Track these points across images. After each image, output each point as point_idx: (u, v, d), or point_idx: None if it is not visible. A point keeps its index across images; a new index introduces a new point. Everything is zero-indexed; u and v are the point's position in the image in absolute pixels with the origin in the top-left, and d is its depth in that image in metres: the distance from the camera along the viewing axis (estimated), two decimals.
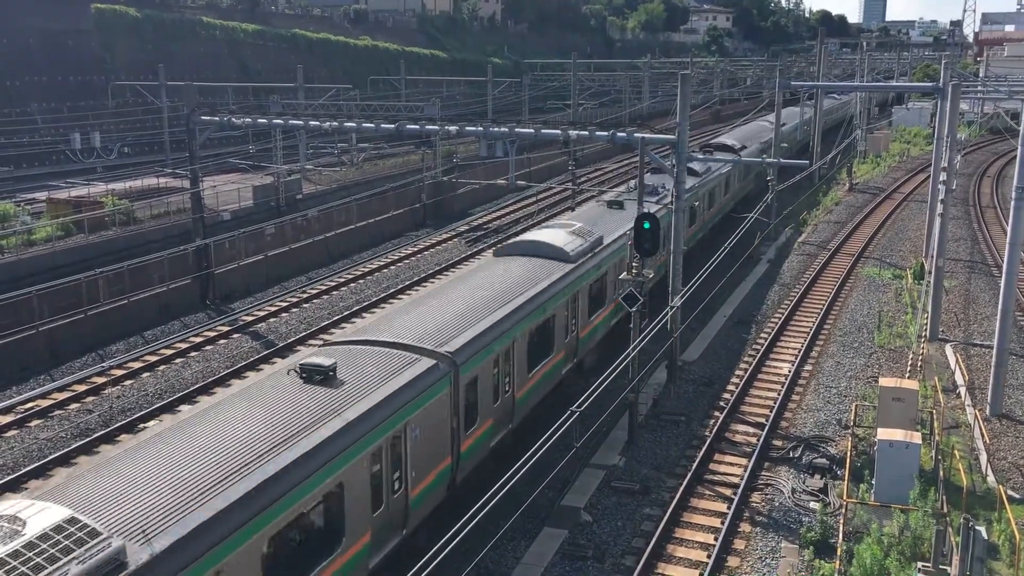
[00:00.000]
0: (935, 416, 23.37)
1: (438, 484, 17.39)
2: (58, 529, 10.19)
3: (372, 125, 32.50)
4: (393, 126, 31.54)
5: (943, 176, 32.08)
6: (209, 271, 37.01)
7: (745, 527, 19.57)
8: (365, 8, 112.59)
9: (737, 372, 28.93)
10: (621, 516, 20.11)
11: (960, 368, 27.78)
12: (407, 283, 39.07)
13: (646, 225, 23.42)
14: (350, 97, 73.20)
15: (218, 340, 32.04)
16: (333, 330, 32.48)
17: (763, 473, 22.03)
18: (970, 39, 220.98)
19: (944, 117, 38.42)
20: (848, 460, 21.22)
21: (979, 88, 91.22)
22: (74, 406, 26.33)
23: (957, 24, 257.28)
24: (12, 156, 56.51)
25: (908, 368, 28.23)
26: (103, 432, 24.35)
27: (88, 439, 23.94)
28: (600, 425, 22.82)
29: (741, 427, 24.59)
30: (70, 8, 66.43)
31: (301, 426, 13.87)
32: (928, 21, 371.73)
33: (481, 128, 30.03)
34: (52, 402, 26.29)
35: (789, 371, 28.43)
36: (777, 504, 20.46)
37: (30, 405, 26.11)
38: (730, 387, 27.58)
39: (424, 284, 39.00)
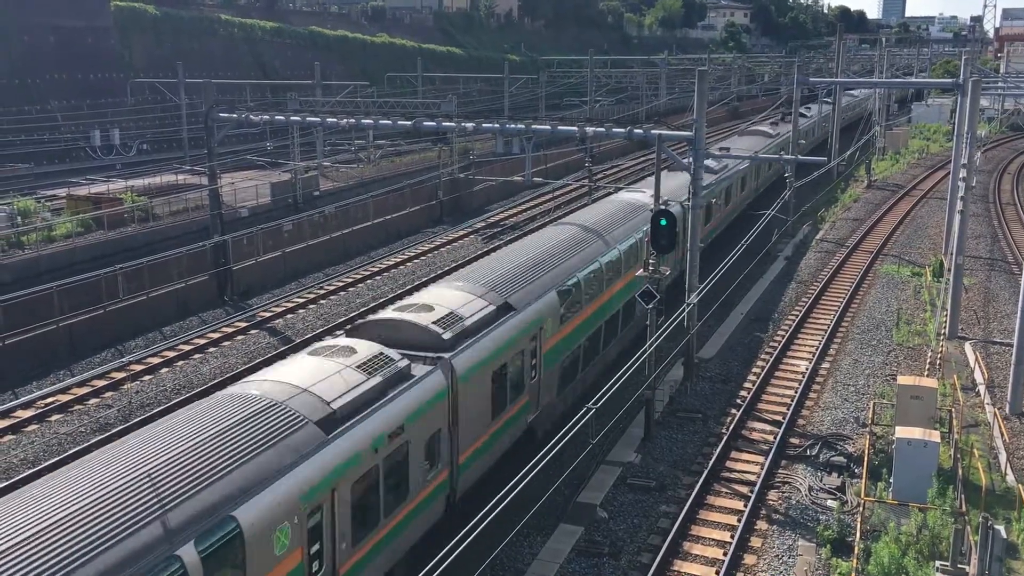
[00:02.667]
0: (954, 414, 23.22)
1: None
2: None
3: (389, 122, 32.57)
4: (410, 123, 31.60)
5: (963, 173, 31.86)
6: (227, 267, 37.20)
7: (762, 525, 19.51)
8: (382, 5, 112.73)
9: (754, 370, 28.82)
10: (637, 513, 20.09)
11: (979, 366, 27.58)
12: (422, 280, 39.17)
13: (663, 222, 23.40)
14: (367, 94, 73.35)
15: (236, 336, 32.21)
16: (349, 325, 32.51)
17: (780, 471, 21.95)
18: (991, 35, 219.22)
19: (964, 114, 38.13)
20: (866, 458, 21.13)
21: (999, 84, 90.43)
22: (93, 401, 26.54)
23: (977, 20, 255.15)
24: (33, 153, 56.95)
25: (927, 366, 28.06)
26: (122, 427, 24.53)
27: (107, 434, 24.13)
28: (616, 422, 22.82)
29: (758, 425, 24.51)
30: (89, 6, 66.83)
31: None
32: (948, 17, 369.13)
33: (498, 125, 30.03)
34: (72, 397, 26.50)
35: (806, 369, 28.30)
36: (794, 502, 20.39)
37: (50, 400, 26.34)
38: (747, 385, 27.48)
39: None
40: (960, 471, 20.39)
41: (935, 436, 19.83)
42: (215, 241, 36.95)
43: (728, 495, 20.77)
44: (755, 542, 18.88)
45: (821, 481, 21.34)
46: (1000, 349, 29.97)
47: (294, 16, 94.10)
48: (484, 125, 30.54)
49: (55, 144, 59.35)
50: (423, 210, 52.69)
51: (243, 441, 12.72)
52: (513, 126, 29.65)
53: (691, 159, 26.24)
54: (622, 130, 27.62)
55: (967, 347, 30.18)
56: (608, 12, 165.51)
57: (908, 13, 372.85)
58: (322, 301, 36.66)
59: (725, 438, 23.25)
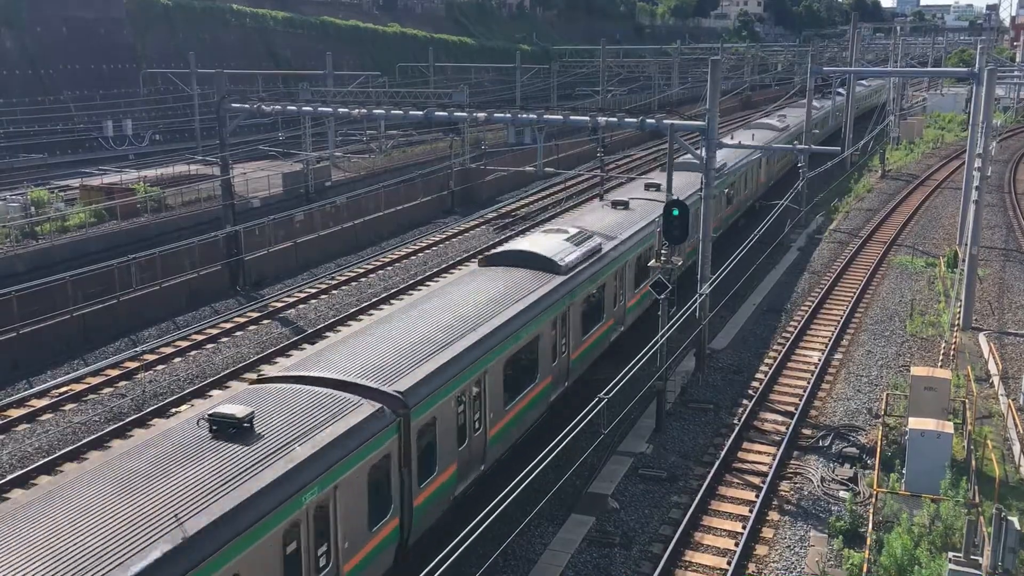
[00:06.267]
0: (967, 406, 23.09)
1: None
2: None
3: (401, 112, 32.54)
4: (421, 113, 31.56)
5: (978, 163, 31.63)
6: (239, 257, 37.30)
7: (773, 516, 19.47)
8: None
9: (766, 360, 28.74)
10: (648, 503, 20.08)
11: (993, 357, 27.43)
12: (431, 273, 39.18)
13: (675, 212, 23.34)
14: (379, 84, 73.33)
15: (248, 326, 32.32)
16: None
17: (792, 462, 21.90)
18: (1007, 23, 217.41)
19: (979, 103, 37.83)
20: (878, 449, 21.05)
21: (1015, 73, 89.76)
22: (107, 390, 26.69)
23: (994, 8, 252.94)
24: (46, 143, 57.21)
25: (940, 357, 27.92)
26: (136, 416, 24.67)
27: (121, 423, 24.26)
28: (628, 412, 22.81)
29: (770, 415, 24.45)
30: None
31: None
32: (964, 5, 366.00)
33: (509, 115, 29.96)
34: (86, 386, 26.65)
35: (819, 359, 28.21)
36: (806, 493, 20.34)
37: (64, 389, 26.48)
38: (759, 375, 27.41)
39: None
40: (973, 462, 20.29)
41: (948, 427, 19.74)
42: (227, 231, 37.04)
43: (740, 486, 20.74)
44: (767, 533, 18.85)
45: (833, 472, 21.28)
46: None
47: (306, 6, 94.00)
48: (496, 115, 30.47)
49: (68, 134, 59.60)
50: (434, 200, 52.69)
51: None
52: (525, 116, 29.58)
53: (703, 149, 26.12)
54: (634, 120, 27.51)
55: (981, 338, 30.01)
56: (620, 1, 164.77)
57: (923, 1, 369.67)
58: (334, 291, 36.73)
59: (737, 429, 23.21)
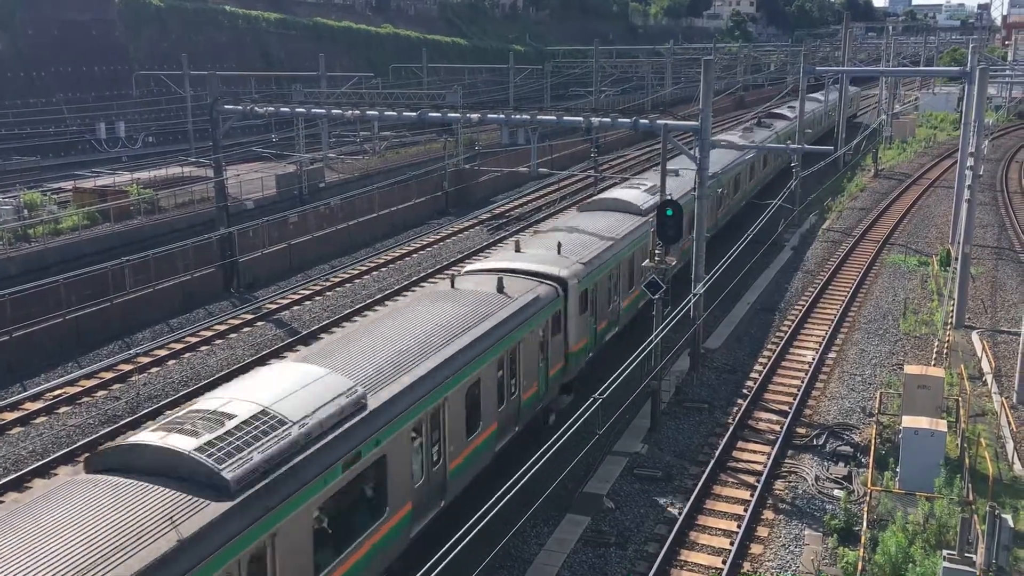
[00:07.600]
0: (961, 404, 23.17)
1: None
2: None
3: (394, 113, 32.56)
4: (415, 114, 31.58)
5: (970, 161, 31.73)
6: (233, 259, 37.25)
7: (768, 515, 19.51)
8: None
9: (760, 360, 28.80)
10: (644, 503, 20.11)
11: (987, 355, 27.52)
12: (426, 273, 39.17)
13: (669, 212, 23.39)
14: (372, 85, 73.22)
15: (242, 328, 32.28)
16: (356, 317, 32.60)
17: (787, 461, 21.95)
18: (998, 22, 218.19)
19: (971, 102, 37.95)
20: (872, 448, 21.10)
21: (1007, 72, 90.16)
22: (101, 393, 26.63)
23: (985, 7, 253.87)
24: (38, 146, 57.06)
25: (934, 355, 28.00)
26: (130, 419, 24.62)
27: (115, 426, 24.22)
28: (623, 412, 22.83)
29: (764, 415, 24.50)
30: None
31: None
32: (955, 4, 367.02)
33: (503, 116, 30.01)
34: (80, 389, 26.60)
35: (813, 359, 28.27)
36: (801, 492, 20.39)
37: (58, 392, 26.43)
38: (753, 375, 27.46)
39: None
40: (967, 460, 20.36)
41: (942, 425, 19.81)
42: (221, 233, 36.99)
43: (735, 485, 20.78)
44: (762, 532, 18.89)
45: (828, 471, 21.34)
46: (1007, 338, 29.90)
47: (299, 7, 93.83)
48: (489, 116, 30.51)
49: (61, 137, 59.44)
50: (428, 201, 52.68)
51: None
52: (518, 117, 29.63)
53: (697, 149, 26.17)
54: (627, 120, 27.58)
55: (974, 336, 30.11)
56: (613, 2, 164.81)
57: (915, 1, 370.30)
58: (328, 293, 36.70)
59: (732, 428, 23.26)
